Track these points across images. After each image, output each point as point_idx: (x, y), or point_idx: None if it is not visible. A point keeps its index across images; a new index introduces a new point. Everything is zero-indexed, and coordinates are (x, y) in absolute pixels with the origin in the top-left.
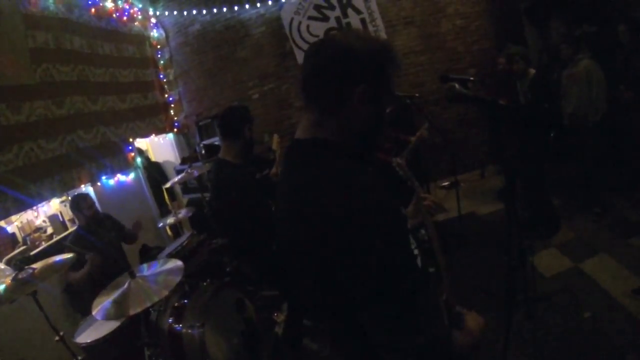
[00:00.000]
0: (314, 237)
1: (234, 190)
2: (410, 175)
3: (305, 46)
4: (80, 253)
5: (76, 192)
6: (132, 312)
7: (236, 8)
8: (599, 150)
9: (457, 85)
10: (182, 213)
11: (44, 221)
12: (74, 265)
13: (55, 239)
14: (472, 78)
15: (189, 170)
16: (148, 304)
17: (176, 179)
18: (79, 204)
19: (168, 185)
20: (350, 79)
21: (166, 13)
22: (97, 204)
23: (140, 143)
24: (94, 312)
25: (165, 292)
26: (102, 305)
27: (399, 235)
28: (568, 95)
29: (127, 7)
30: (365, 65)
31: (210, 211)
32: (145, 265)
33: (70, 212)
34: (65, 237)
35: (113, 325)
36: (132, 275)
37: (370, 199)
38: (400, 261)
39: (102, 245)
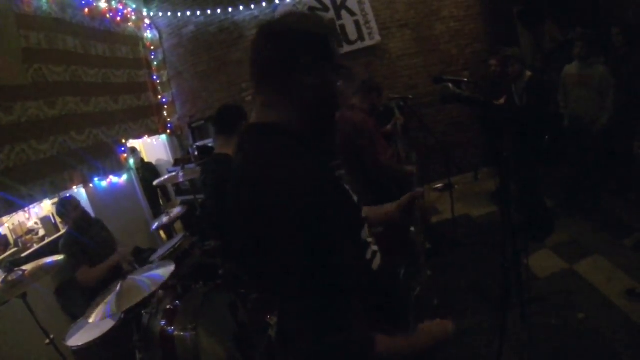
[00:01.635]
0: (241, 222)
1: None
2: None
3: None
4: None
5: (68, 193)
6: (124, 307)
7: (230, 10)
8: (601, 154)
9: (451, 85)
10: (175, 211)
11: (35, 223)
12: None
13: (47, 240)
14: (465, 80)
15: (180, 172)
16: (139, 299)
17: (165, 178)
18: (64, 207)
19: (156, 183)
20: (292, 54)
21: (160, 14)
22: (81, 204)
23: (134, 144)
24: (91, 320)
25: (154, 288)
26: (98, 310)
27: (320, 231)
28: (572, 96)
29: (121, 7)
30: (305, 38)
31: (204, 211)
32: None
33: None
34: (57, 239)
35: (104, 328)
36: (124, 277)
37: (290, 191)
38: (315, 259)
39: (95, 244)
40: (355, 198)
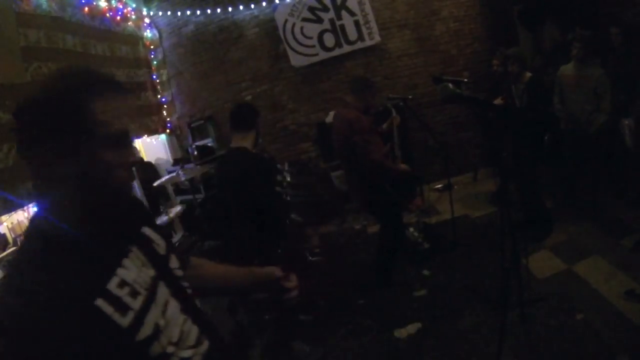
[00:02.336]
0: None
1: (261, 175)
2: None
3: (299, 48)
4: None
5: None
6: None
7: (230, 9)
8: (599, 155)
9: (451, 85)
10: (174, 211)
11: None
12: None
13: None
14: (465, 80)
15: (179, 172)
16: None
17: (165, 178)
18: None
19: (156, 184)
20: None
21: (160, 13)
22: None
23: (133, 143)
24: None
25: None
26: None
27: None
28: (569, 97)
29: (121, 6)
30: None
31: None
32: None
33: None
34: None
35: None
36: None
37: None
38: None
39: None
40: (130, 317)
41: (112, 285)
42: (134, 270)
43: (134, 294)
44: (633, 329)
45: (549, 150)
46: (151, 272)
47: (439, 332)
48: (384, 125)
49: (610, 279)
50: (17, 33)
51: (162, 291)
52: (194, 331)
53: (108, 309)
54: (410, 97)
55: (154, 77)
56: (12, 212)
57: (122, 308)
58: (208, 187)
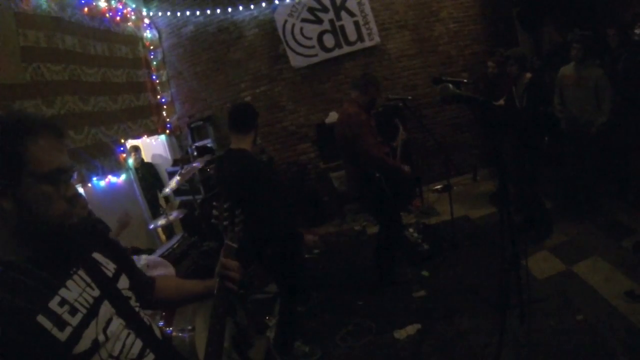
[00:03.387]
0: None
1: (262, 175)
2: None
3: (298, 49)
4: None
5: None
6: None
7: (230, 10)
8: (599, 156)
9: (451, 85)
10: (174, 215)
11: None
12: None
13: None
14: (465, 80)
15: (182, 172)
16: None
17: (173, 184)
18: None
19: (166, 191)
20: None
21: (159, 14)
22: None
23: (135, 143)
24: None
25: None
26: None
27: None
28: (569, 98)
29: (121, 7)
30: None
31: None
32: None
33: None
34: None
35: None
36: None
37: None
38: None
39: None
40: (68, 332)
41: (53, 304)
42: (76, 291)
43: (74, 311)
44: (633, 330)
45: (548, 151)
46: (95, 293)
47: (438, 332)
48: (394, 144)
49: (610, 279)
50: (17, 33)
51: (105, 309)
52: (137, 345)
53: (48, 324)
54: (409, 97)
55: (154, 77)
56: None
57: (61, 324)
58: (207, 188)
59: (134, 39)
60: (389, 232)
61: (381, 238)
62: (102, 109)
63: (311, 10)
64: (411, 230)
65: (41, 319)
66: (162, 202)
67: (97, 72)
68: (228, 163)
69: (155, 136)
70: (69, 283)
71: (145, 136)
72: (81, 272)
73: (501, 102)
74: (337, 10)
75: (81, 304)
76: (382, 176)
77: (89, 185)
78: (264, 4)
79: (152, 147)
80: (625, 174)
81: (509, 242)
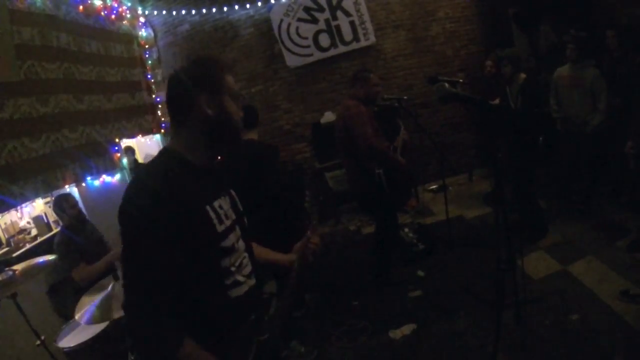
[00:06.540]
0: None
1: (273, 156)
2: None
3: (294, 48)
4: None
5: (60, 192)
6: (116, 315)
7: (225, 9)
8: (595, 156)
9: (447, 85)
10: None
11: (28, 222)
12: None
13: (39, 240)
14: (461, 80)
15: None
16: None
17: None
18: (61, 204)
19: None
20: (189, 93)
21: (155, 12)
22: (80, 204)
23: (129, 143)
24: (76, 316)
25: None
26: (85, 309)
27: (144, 236)
28: (564, 98)
29: (116, 5)
30: (197, 78)
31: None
32: None
33: (54, 214)
34: (50, 239)
35: (96, 329)
36: (116, 278)
37: (133, 200)
38: (137, 257)
39: (89, 243)
40: (222, 228)
41: (215, 204)
42: (226, 206)
43: (226, 216)
44: (628, 329)
45: (543, 151)
46: (233, 215)
47: (433, 332)
48: (395, 144)
49: (605, 279)
50: (11, 31)
51: (237, 230)
52: (249, 266)
53: (212, 214)
54: (405, 97)
55: (149, 76)
56: (5, 212)
57: (219, 219)
58: None
59: (129, 38)
60: (384, 231)
61: (377, 238)
62: (97, 108)
63: (307, 9)
64: (407, 230)
65: (208, 209)
66: None
67: (91, 71)
68: (238, 152)
69: (150, 135)
70: (222, 199)
71: (140, 135)
72: (226, 198)
73: (496, 101)
74: (333, 9)
75: (227, 216)
76: (382, 172)
77: (83, 184)
78: (259, 3)
79: (147, 146)
80: (620, 175)
81: (504, 242)
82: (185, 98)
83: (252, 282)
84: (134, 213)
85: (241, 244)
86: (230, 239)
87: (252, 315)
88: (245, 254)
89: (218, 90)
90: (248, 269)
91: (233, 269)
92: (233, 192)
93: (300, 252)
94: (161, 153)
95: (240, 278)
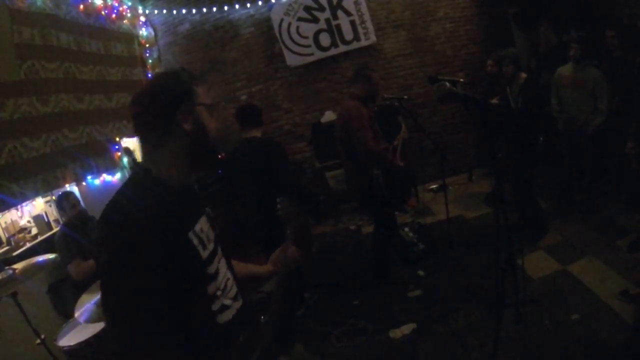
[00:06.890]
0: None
1: (282, 154)
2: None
3: (294, 47)
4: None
5: (61, 191)
6: None
7: (226, 8)
8: (596, 156)
9: (447, 84)
10: None
11: (28, 221)
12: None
13: (39, 239)
14: (461, 80)
15: None
16: None
17: None
18: (62, 202)
19: None
20: (167, 109)
21: (155, 12)
22: (81, 203)
23: (128, 143)
24: (76, 315)
25: None
26: (84, 307)
27: (135, 271)
28: (565, 98)
29: (116, 4)
30: (172, 92)
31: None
32: None
33: (55, 212)
34: (50, 237)
35: (97, 328)
36: None
37: (122, 220)
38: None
39: (90, 241)
40: (206, 254)
41: (197, 228)
42: (205, 227)
43: (208, 240)
44: (628, 329)
45: (543, 151)
46: (212, 235)
47: (433, 332)
48: (395, 142)
49: (605, 279)
50: (11, 30)
51: (218, 251)
52: (234, 288)
53: (195, 241)
54: (405, 97)
55: (149, 75)
56: (6, 211)
57: (202, 245)
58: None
59: (129, 37)
60: (384, 231)
61: (377, 237)
62: (97, 107)
63: (307, 9)
64: (406, 229)
65: (191, 235)
66: None
67: (92, 70)
68: (246, 149)
69: None
70: (202, 219)
71: None
72: (204, 218)
73: (495, 100)
74: (334, 9)
75: (209, 238)
76: (380, 173)
77: (84, 183)
78: (260, 3)
79: None
80: (620, 174)
81: (505, 241)
82: (163, 114)
83: (239, 304)
84: (123, 248)
85: (222, 264)
86: (214, 264)
87: (241, 337)
88: (229, 275)
89: (194, 102)
90: (234, 291)
91: (219, 292)
92: (208, 209)
93: (278, 261)
94: (138, 176)
95: (226, 302)
